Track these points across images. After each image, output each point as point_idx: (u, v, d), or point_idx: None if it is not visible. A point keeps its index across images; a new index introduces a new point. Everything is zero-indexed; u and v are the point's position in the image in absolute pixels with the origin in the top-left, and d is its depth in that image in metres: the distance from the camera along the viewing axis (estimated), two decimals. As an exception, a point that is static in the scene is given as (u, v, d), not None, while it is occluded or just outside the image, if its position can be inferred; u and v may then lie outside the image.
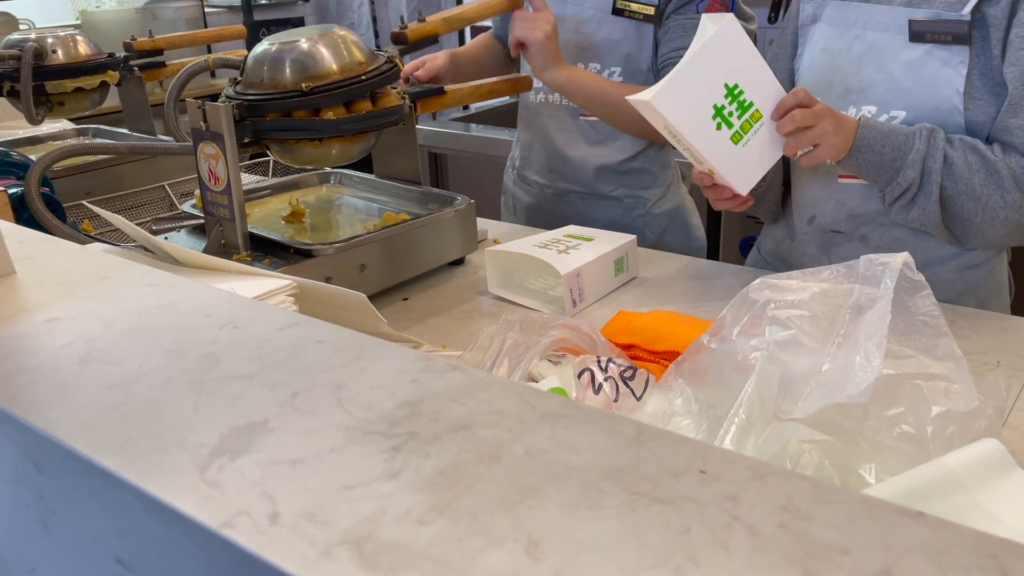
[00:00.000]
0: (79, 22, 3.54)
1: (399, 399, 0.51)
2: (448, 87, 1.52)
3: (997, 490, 0.72)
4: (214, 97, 1.28)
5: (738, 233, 2.41)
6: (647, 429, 0.47)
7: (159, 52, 1.97)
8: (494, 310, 1.31)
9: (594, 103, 1.62)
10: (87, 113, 1.91)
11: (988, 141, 1.18)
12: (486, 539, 0.39)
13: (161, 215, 1.64)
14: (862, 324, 0.84)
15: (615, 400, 0.94)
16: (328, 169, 1.64)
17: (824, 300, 0.88)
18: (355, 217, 1.53)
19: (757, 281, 0.93)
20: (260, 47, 1.29)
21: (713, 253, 2.34)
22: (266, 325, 0.61)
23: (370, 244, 1.31)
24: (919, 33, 1.18)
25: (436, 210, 1.44)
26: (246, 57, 1.30)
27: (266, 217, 1.51)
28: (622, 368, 0.97)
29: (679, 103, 1.13)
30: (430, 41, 1.58)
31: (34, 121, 1.79)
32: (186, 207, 1.49)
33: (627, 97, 1.16)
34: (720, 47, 1.14)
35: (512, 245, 1.36)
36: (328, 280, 1.23)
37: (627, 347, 1.09)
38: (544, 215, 1.80)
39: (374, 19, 4.27)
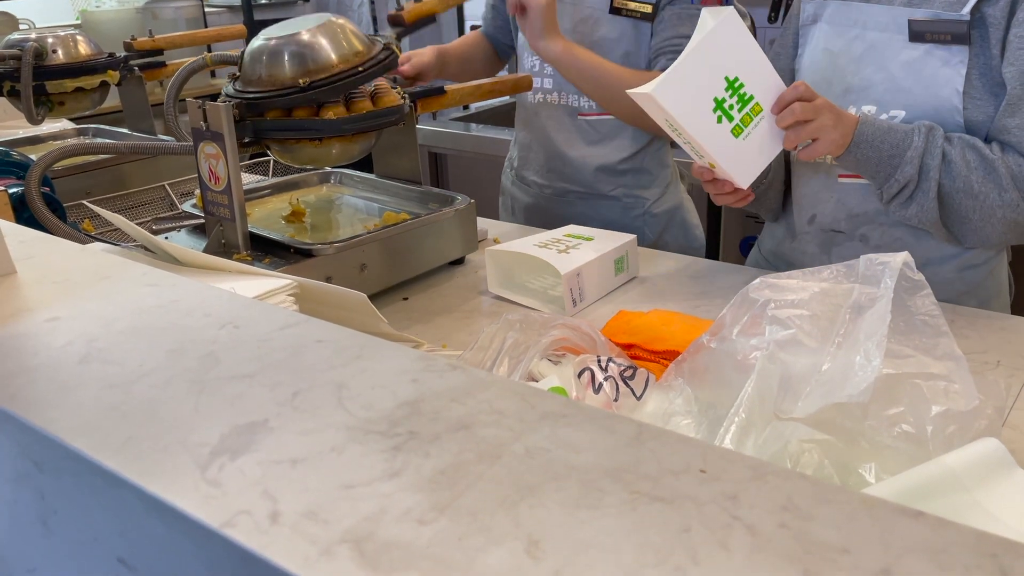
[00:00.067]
0: (79, 22, 3.54)
1: (399, 399, 0.51)
2: (448, 87, 1.51)
3: (997, 489, 0.73)
4: (214, 96, 1.27)
5: (738, 233, 2.41)
6: (647, 428, 0.47)
7: (159, 52, 1.98)
8: (494, 310, 1.31)
9: (587, 81, 1.57)
10: (87, 113, 1.91)
11: (987, 140, 1.18)
12: (486, 538, 0.39)
13: (161, 215, 1.64)
14: (862, 324, 0.84)
15: (615, 399, 0.94)
16: (328, 169, 1.64)
17: (824, 300, 0.89)
18: (355, 217, 1.53)
19: (757, 280, 0.93)
20: (256, 42, 1.29)
21: (713, 253, 2.34)
22: (266, 325, 0.61)
23: (370, 244, 1.31)
24: (919, 33, 1.18)
25: (436, 210, 1.44)
26: (243, 52, 1.30)
27: (266, 217, 1.51)
28: (622, 368, 0.97)
29: (680, 96, 1.14)
30: (428, 20, 1.57)
31: (34, 121, 1.79)
32: (186, 207, 1.49)
33: (628, 91, 1.16)
34: (721, 40, 1.14)
35: (512, 245, 1.36)
36: (328, 280, 1.23)
37: (627, 347, 1.09)
38: (543, 215, 1.79)
39: (374, 19, 4.27)
